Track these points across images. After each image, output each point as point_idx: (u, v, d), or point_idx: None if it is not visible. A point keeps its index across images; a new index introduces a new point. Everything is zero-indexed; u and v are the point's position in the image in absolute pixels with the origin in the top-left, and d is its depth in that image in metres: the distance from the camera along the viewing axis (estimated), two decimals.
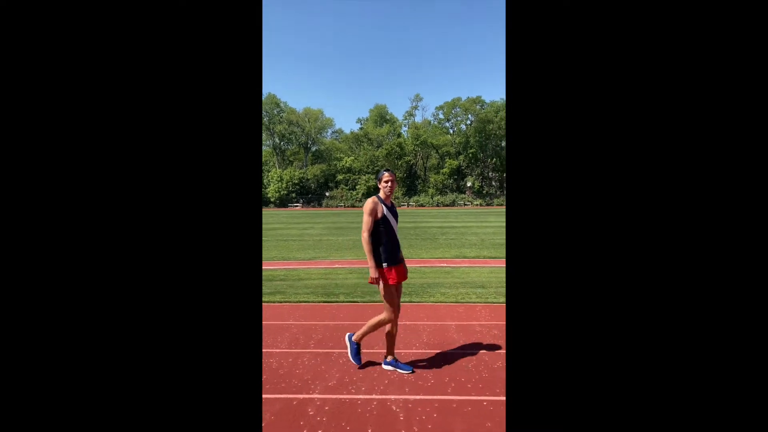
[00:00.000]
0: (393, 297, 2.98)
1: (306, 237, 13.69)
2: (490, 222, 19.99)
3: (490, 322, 4.27)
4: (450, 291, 5.66)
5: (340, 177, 47.69)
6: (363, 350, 3.39)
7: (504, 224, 18.37)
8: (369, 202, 2.96)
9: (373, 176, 46.55)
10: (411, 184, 48.45)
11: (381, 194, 3.06)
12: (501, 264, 8.09)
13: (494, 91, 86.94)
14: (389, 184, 3.03)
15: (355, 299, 5.29)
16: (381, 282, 2.94)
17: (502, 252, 9.76)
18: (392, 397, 2.68)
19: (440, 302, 5.09)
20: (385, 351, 3.19)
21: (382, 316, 3.03)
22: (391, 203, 3.10)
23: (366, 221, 2.92)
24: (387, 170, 3.09)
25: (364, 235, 2.91)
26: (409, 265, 8.15)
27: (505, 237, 13.08)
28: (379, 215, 2.96)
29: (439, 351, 3.48)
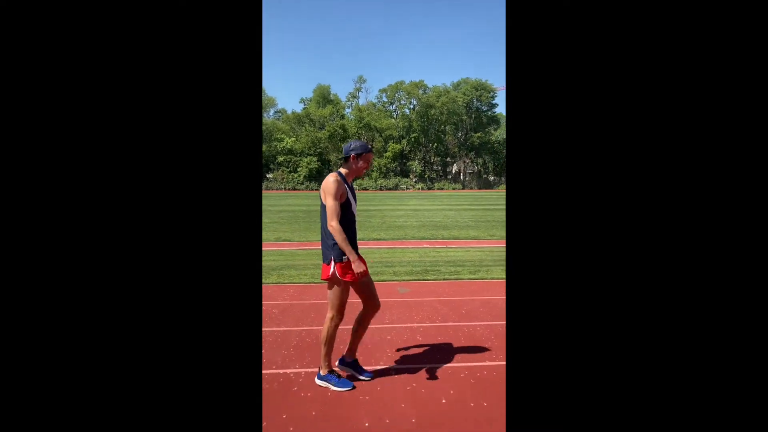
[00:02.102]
0: (345, 296, 2.43)
1: None
2: (408, 205, 20.51)
3: (322, 300, 4.53)
4: (303, 272, 5.88)
5: (280, 159, 46.56)
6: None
7: (418, 207, 19.02)
8: (332, 182, 2.31)
9: (315, 158, 45.94)
10: None
11: (345, 172, 2.43)
12: (381, 245, 8.47)
13: (436, 76, 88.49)
14: (366, 167, 2.47)
15: None
16: (335, 278, 2.37)
17: (395, 234, 10.18)
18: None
19: (291, 283, 5.34)
20: (322, 362, 2.53)
21: (330, 321, 2.44)
22: (351, 182, 2.49)
23: (332, 207, 2.28)
24: (370, 147, 2.47)
25: (333, 224, 2.26)
26: (296, 248, 8.41)
27: (409, 219, 13.64)
28: (344, 198, 2.36)
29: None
